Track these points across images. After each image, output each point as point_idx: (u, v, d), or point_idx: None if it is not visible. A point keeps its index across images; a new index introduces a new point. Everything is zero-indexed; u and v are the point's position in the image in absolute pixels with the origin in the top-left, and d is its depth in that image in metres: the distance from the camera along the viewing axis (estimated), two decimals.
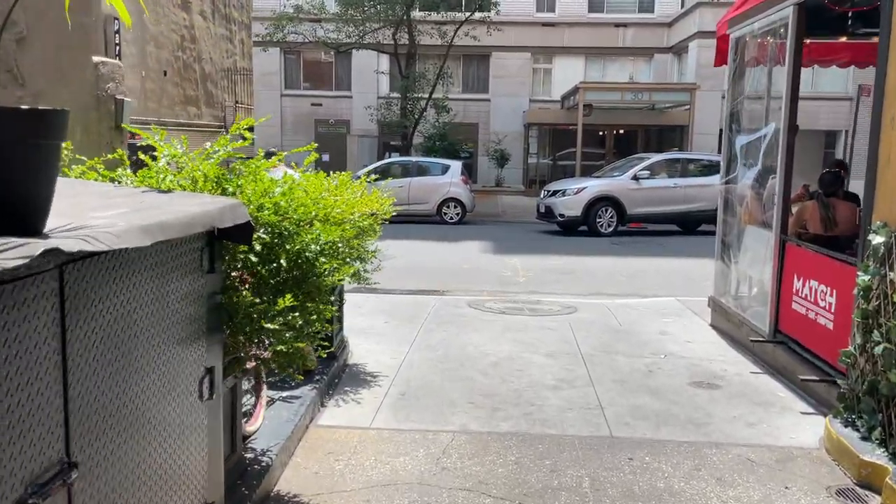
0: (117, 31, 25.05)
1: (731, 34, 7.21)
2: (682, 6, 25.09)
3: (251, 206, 3.27)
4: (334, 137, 27.01)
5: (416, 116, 21.91)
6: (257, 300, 3.12)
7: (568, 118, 25.04)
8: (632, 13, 26.23)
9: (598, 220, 15.86)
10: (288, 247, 3.35)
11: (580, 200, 15.80)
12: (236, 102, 35.77)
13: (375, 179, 16.62)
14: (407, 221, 17.93)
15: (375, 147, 26.60)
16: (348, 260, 4.26)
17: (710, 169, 16.63)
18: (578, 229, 16.07)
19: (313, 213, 3.60)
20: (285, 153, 4.38)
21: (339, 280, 3.94)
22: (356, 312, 8.04)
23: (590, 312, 8.20)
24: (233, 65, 36.96)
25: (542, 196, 16.95)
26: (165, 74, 29.89)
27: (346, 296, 6.71)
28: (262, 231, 3.25)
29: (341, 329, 6.28)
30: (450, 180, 17.82)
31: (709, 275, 9.63)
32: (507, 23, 24.62)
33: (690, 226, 16.58)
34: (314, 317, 3.39)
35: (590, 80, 24.43)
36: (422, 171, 18.42)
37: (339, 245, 3.74)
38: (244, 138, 3.47)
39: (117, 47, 25.47)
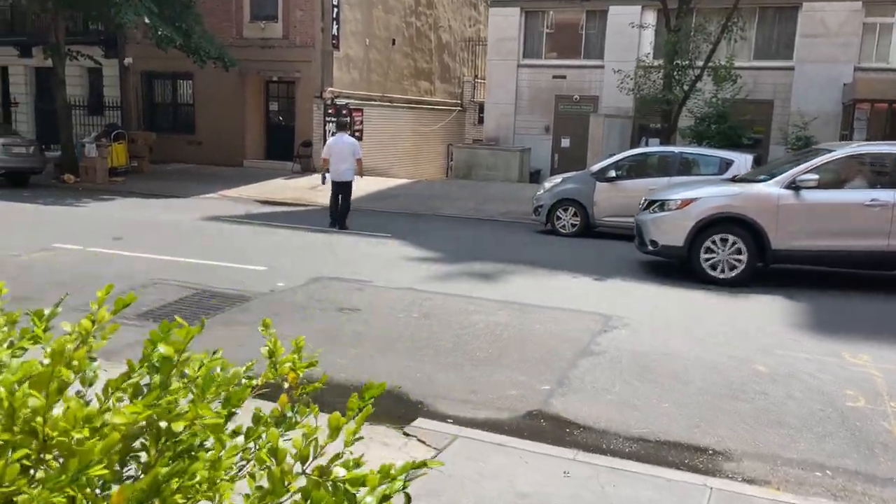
0: None
1: None
2: None
3: None
4: (577, 118, 21.74)
5: (686, 88, 15.83)
6: None
7: None
8: None
9: (707, 255, 8.99)
10: None
11: (684, 220, 9.08)
12: (475, 77, 31.96)
13: (616, 178, 11.22)
14: None
15: (628, 131, 20.83)
16: None
17: None
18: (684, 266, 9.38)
19: None
20: None
21: None
22: None
23: None
24: (475, 34, 33.09)
25: (640, 208, 10.09)
26: (394, 43, 26.72)
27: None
28: None
29: None
30: None
31: None
32: None
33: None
34: None
35: None
36: (688, 166, 12.54)
37: None
38: None
39: (335, 10, 22.62)
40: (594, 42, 21.93)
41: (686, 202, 9.20)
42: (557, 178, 13.63)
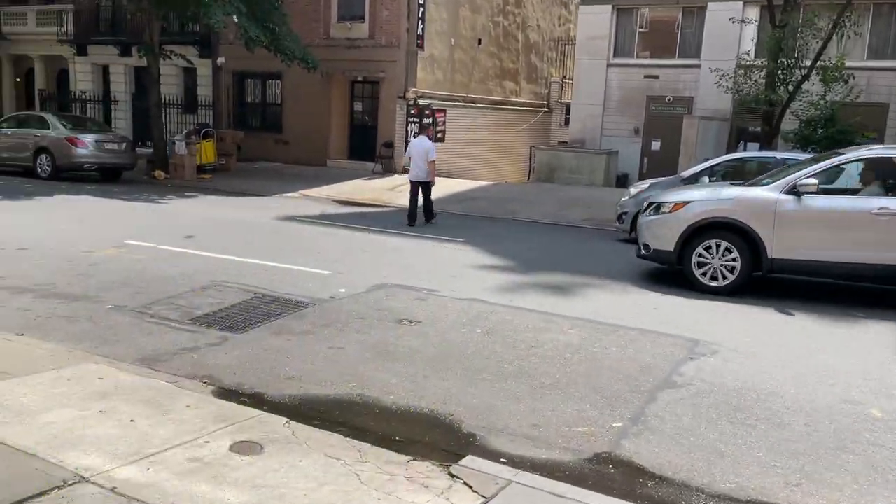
0: None
1: None
2: None
3: None
4: (670, 120, 20.65)
5: (791, 89, 14.62)
6: None
7: None
8: None
9: (699, 260, 8.46)
10: None
11: (675, 224, 8.60)
12: (563, 77, 31.06)
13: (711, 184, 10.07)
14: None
15: (725, 134, 19.62)
16: None
17: None
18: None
19: None
20: None
21: None
22: None
23: None
24: (565, 34, 32.17)
25: (641, 210, 9.88)
26: (480, 43, 26.23)
27: None
28: None
29: None
30: None
31: None
32: None
33: None
34: None
35: None
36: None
37: None
38: None
39: (421, 9, 22.33)
40: (690, 40, 20.78)
41: (678, 205, 8.73)
42: (645, 184, 12.81)
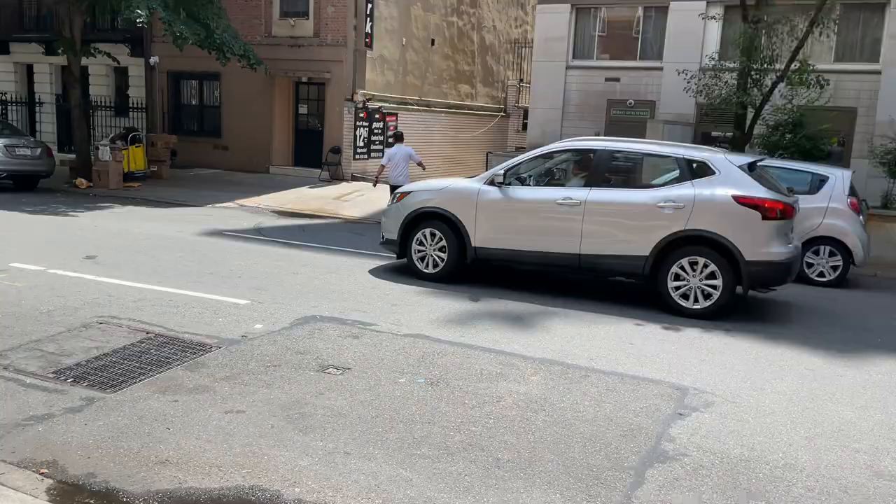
0: None
1: None
2: None
3: None
4: (632, 125, 19.71)
5: (764, 92, 13.76)
6: None
7: None
8: None
9: (419, 249, 8.85)
10: None
11: (398, 213, 9.01)
12: (521, 81, 30.07)
13: None
14: None
15: (689, 139, 18.72)
16: None
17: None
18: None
19: None
20: None
21: None
22: None
23: None
24: (522, 35, 31.17)
25: None
26: (433, 44, 24.98)
27: None
28: None
29: None
30: (824, 205, 9.69)
31: None
32: None
33: None
34: None
35: None
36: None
37: None
38: None
39: (369, 6, 20.99)
40: (652, 41, 19.90)
41: (402, 195, 9.08)
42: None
